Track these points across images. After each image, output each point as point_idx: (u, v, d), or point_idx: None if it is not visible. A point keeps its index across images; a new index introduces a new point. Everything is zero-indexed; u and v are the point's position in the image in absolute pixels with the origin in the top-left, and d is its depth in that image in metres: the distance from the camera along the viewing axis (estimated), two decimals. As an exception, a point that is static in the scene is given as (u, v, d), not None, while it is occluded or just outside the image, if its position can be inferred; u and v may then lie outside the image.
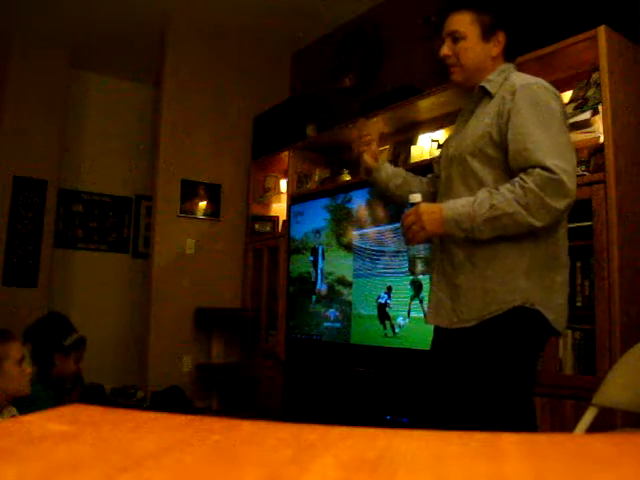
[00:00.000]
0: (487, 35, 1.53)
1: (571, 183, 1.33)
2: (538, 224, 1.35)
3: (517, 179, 1.37)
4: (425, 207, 1.47)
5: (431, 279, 1.65)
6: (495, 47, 1.54)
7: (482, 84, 1.54)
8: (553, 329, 1.44)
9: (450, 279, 1.53)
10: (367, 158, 1.76)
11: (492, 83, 1.52)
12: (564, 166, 1.33)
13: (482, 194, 1.41)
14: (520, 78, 1.49)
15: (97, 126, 5.04)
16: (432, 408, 1.64)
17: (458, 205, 1.43)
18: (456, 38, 1.55)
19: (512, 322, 1.42)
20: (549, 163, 1.33)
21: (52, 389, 2.02)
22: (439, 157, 1.73)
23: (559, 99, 1.46)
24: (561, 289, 1.46)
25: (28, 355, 2.00)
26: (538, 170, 1.33)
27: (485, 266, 1.45)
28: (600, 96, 2.29)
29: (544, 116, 1.39)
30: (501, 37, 1.54)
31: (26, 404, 1.68)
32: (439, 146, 3.20)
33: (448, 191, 1.57)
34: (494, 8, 1.56)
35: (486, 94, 1.53)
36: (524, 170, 1.37)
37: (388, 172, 1.76)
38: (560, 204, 1.33)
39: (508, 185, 1.38)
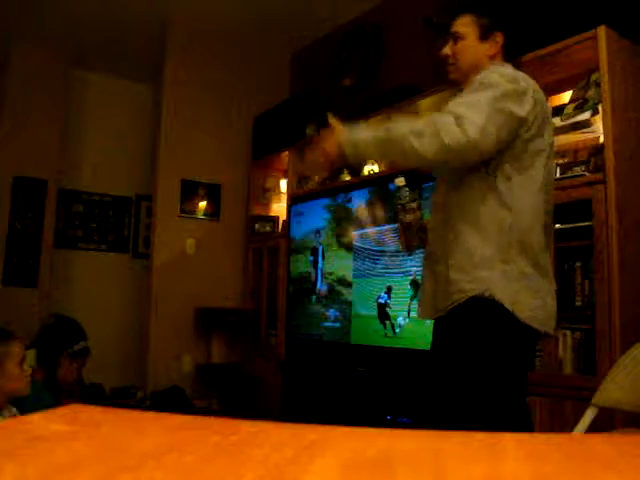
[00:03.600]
0: (484, 35, 1.59)
1: (474, 133, 1.34)
2: (420, 151, 1.36)
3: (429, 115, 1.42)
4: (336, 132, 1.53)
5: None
6: (492, 47, 1.59)
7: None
8: (528, 326, 1.41)
9: (432, 271, 1.58)
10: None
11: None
12: (474, 118, 1.35)
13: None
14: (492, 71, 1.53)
15: (97, 126, 5.03)
16: (424, 404, 1.67)
17: (361, 131, 1.49)
18: (456, 39, 1.62)
19: (470, 312, 1.42)
20: (459, 111, 1.36)
21: (52, 391, 2.02)
22: None
23: (517, 82, 1.45)
24: (540, 285, 1.44)
25: (34, 358, 2.00)
26: (448, 111, 1.38)
27: (449, 255, 1.48)
28: (600, 96, 2.29)
29: (480, 87, 1.43)
30: (499, 38, 1.59)
31: (25, 404, 1.68)
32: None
33: (436, 186, 1.63)
34: (493, 11, 1.62)
35: None
36: None
37: None
38: (451, 142, 1.33)
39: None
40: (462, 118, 1.34)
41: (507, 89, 1.41)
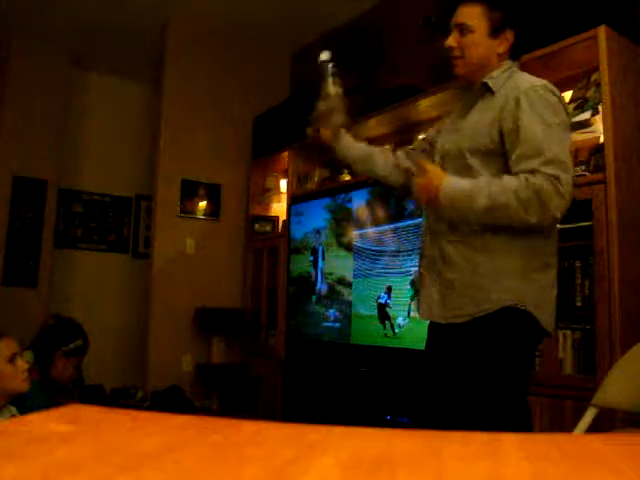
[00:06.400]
0: (496, 32, 1.50)
1: (569, 194, 1.34)
2: (533, 220, 1.35)
3: (522, 175, 1.36)
4: (428, 178, 1.45)
5: (420, 275, 1.66)
6: (502, 45, 1.52)
7: (485, 80, 1.52)
8: (544, 330, 1.44)
9: (441, 274, 1.53)
10: (324, 133, 1.72)
11: (495, 80, 1.51)
12: (565, 175, 1.34)
13: (483, 180, 1.42)
14: (525, 79, 1.49)
15: (97, 126, 5.03)
16: (427, 406, 1.65)
17: (460, 186, 1.42)
18: (463, 30, 1.51)
19: (503, 322, 1.42)
20: (552, 171, 1.33)
21: (48, 389, 2.01)
22: (429, 144, 1.76)
23: (563, 100, 1.46)
24: (552, 290, 1.48)
25: (31, 358, 1.99)
26: (543, 173, 1.34)
27: (478, 263, 1.46)
28: (600, 96, 2.29)
29: (550, 119, 1.39)
30: (509, 35, 1.52)
31: (22, 402, 1.66)
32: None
33: None
34: (506, 5, 1.53)
35: (487, 91, 1.53)
36: (527, 172, 1.36)
37: (348, 144, 1.75)
38: (556, 212, 1.34)
39: (512, 177, 1.38)
40: (559, 183, 1.32)
41: (564, 119, 1.42)
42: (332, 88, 1.64)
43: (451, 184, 1.42)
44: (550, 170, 1.33)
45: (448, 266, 1.51)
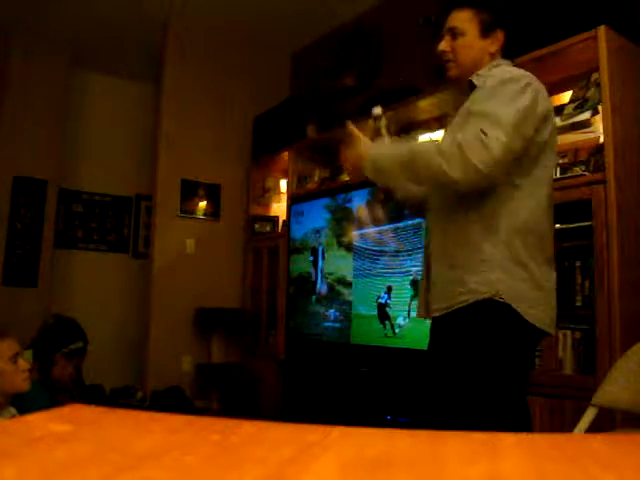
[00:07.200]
0: (486, 32, 1.54)
1: (498, 151, 1.30)
2: (456, 174, 1.33)
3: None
4: (357, 144, 1.55)
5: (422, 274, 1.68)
6: (493, 44, 1.55)
7: (470, 78, 1.55)
8: (534, 327, 1.41)
9: (428, 268, 1.57)
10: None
11: (479, 77, 1.53)
12: (496, 131, 1.31)
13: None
14: (502, 71, 1.50)
15: (97, 126, 5.03)
16: (424, 405, 1.66)
17: (383, 148, 1.54)
18: (455, 34, 1.56)
19: (478, 314, 1.41)
20: (481, 123, 1.34)
21: (48, 389, 2.02)
22: None
23: (535, 92, 1.41)
24: (545, 285, 1.44)
25: (31, 358, 2.00)
26: (471, 126, 1.36)
27: (456, 255, 1.46)
28: (600, 96, 2.29)
29: (500, 92, 1.39)
30: (500, 35, 1.55)
31: (22, 402, 1.67)
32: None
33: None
34: (494, 6, 1.57)
35: (473, 87, 1.54)
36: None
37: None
38: (481, 162, 1.30)
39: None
40: (485, 135, 1.31)
41: (526, 104, 1.38)
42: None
43: (375, 147, 1.53)
44: (479, 121, 1.34)
45: (432, 258, 1.55)
